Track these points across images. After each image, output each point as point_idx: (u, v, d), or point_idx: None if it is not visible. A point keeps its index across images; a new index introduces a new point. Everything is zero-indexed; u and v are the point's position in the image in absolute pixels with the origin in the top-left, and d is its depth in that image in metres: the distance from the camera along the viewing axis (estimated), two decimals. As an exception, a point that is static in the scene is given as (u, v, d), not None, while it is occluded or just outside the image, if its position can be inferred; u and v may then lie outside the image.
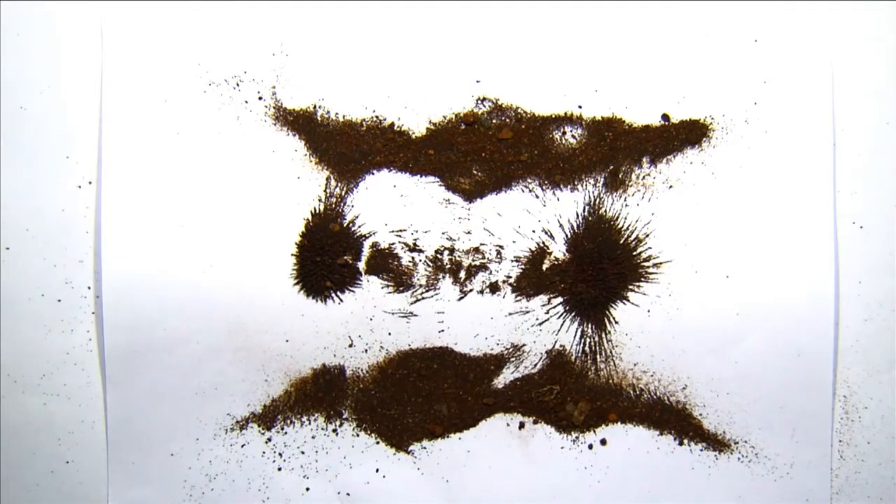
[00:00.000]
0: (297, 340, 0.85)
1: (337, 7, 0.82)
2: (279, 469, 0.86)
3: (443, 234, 0.84)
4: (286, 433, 0.86)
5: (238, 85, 0.83)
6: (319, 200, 0.84)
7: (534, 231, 0.84)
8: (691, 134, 0.83)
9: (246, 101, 0.83)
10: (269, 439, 0.86)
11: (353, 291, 0.85)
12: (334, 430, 0.86)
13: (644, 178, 0.84)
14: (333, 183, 0.84)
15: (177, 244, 0.82)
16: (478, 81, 0.83)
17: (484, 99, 0.84)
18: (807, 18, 0.82)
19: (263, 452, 0.86)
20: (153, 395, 0.84)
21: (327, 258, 0.84)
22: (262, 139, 0.83)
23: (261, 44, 0.82)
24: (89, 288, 0.84)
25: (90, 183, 0.83)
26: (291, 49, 0.83)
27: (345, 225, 0.84)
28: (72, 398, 0.85)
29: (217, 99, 0.83)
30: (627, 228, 0.84)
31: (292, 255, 0.84)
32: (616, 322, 0.85)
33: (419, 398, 0.86)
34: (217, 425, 0.85)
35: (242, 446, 0.86)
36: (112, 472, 0.85)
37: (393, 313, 0.85)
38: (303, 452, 0.86)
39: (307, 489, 0.86)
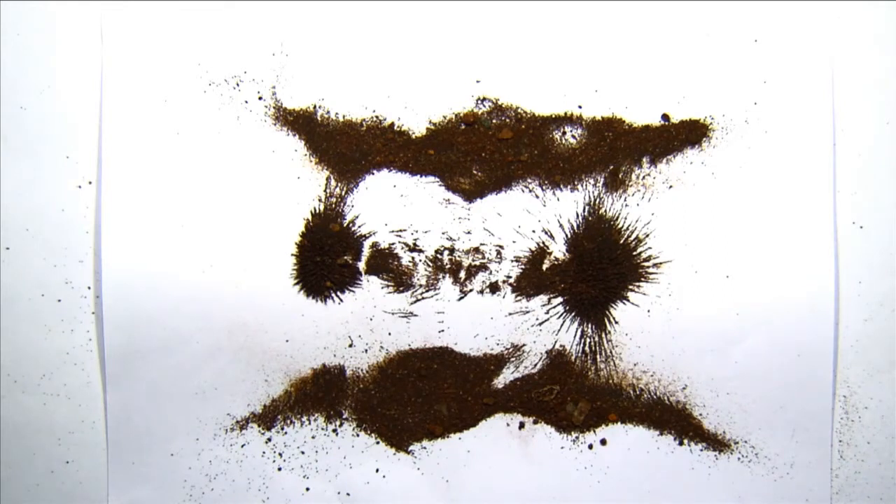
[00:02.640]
0: (297, 340, 0.85)
1: (337, 7, 0.82)
2: (279, 469, 0.86)
3: (443, 234, 0.84)
4: (286, 433, 0.86)
5: (238, 85, 0.83)
6: (319, 200, 0.84)
7: (534, 231, 0.84)
8: (691, 134, 0.83)
9: (246, 101, 0.83)
10: (269, 439, 0.86)
11: (353, 291, 0.85)
12: (334, 430, 0.86)
13: (644, 178, 0.84)
14: (333, 183, 0.84)
15: (177, 244, 0.82)
16: (478, 81, 0.83)
17: (484, 99, 0.84)
18: (807, 18, 0.82)
19: (263, 452, 0.86)
20: (153, 395, 0.84)
21: (327, 258, 0.84)
22: (262, 139, 0.83)
23: (261, 44, 0.82)
24: (89, 288, 0.84)
25: (90, 183, 0.83)
26: (291, 49, 0.83)
27: (345, 225, 0.84)
28: (72, 398, 0.85)
29: (217, 99, 0.83)
30: (627, 228, 0.84)
31: (292, 255, 0.84)
32: (616, 322, 0.85)
33: (419, 398, 0.86)
34: (217, 425, 0.85)
35: (242, 446, 0.86)
36: (112, 472, 0.85)
37: (393, 313, 0.85)
38: (303, 452, 0.86)
39: (307, 489, 0.86)
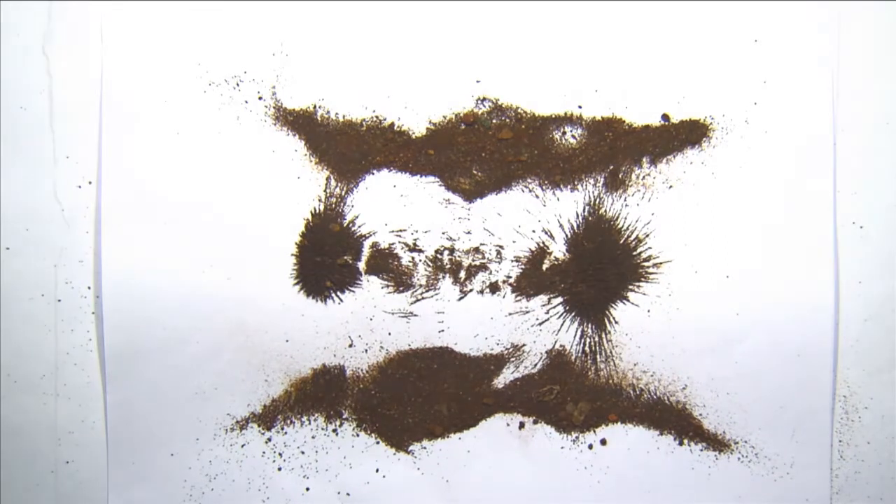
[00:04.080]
0: (297, 340, 0.85)
1: (337, 7, 0.82)
2: (279, 469, 0.86)
3: (443, 234, 0.84)
4: (286, 433, 0.86)
5: (238, 85, 0.83)
6: (319, 200, 0.84)
7: (534, 231, 0.84)
8: (691, 134, 0.83)
9: (246, 101, 0.83)
10: (269, 439, 0.86)
11: (353, 291, 0.85)
12: (334, 430, 0.86)
13: (644, 178, 0.84)
14: (333, 183, 0.84)
15: (177, 244, 0.82)
16: (478, 81, 0.83)
17: (484, 99, 0.84)
18: (807, 18, 0.82)
19: (263, 452, 0.86)
20: (153, 395, 0.84)
21: (327, 258, 0.84)
22: (262, 139, 0.83)
23: (261, 44, 0.82)
24: (89, 288, 0.84)
25: (90, 183, 0.83)
26: (291, 49, 0.83)
27: (345, 225, 0.84)
28: (72, 398, 0.85)
29: (217, 99, 0.83)
30: (627, 228, 0.84)
31: (292, 255, 0.84)
32: (616, 322, 0.85)
33: (419, 398, 0.86)
34: (217, 425, 0.85)
35: (242, 446, 0.86)
36: (112, 472, 0.85)
37: (393, 313, 0.85)
38: (303, 452, 0.86)
39: (307, 489, 0.86)
